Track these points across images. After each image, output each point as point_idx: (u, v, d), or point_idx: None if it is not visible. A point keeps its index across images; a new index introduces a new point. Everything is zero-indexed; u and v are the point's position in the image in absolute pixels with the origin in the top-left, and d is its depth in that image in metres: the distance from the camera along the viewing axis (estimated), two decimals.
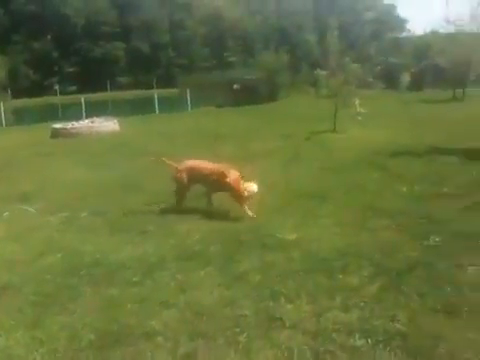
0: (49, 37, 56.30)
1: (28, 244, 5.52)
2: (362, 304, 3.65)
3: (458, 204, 5.90)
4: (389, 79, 42.78)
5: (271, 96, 29.71)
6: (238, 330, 3.40)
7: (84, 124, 18.11)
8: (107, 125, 17.95)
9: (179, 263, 4.67)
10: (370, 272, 4.16)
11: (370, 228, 5.29)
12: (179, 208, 6.45)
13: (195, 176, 6.46)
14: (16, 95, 45.86)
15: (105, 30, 59.80)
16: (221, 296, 3.93)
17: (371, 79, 14.37)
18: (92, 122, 18.47)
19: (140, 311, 3.79)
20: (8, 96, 42.03)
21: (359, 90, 14.69)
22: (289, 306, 3.70)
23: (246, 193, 5.92)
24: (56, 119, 21.43)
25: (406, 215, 5.61)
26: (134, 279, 4.38)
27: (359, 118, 12.93)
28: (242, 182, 6.02)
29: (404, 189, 6.76)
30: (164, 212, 6.43)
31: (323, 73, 14.07)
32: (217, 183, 6.24)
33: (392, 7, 77.29)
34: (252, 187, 5.95)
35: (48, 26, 56.18)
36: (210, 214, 6.18)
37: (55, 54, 56.51)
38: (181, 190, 6.55)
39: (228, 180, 6.06)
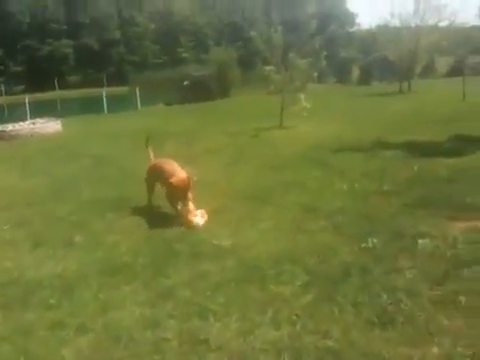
0: None
1: None
2: (294, 318, 3.40)
3: (398, 201, 5.78)
4: (340, 73, 43.46)
5: (222, 93, 29.43)
6: (158, 357, 3.09)
7: (25, 126, 17.25)
8: (49, 126, 17.15)
9: (103, 279, 4.31)
10: (304, 281, 3.92)
11: (307, 230, 5.07)
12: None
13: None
14: None
15: (53, 27, 57.83)
16: (143, 316, 3.60)
17: (316, 74, 14.20)
18: (33, 124, 17.63)
19: (52, 338, 3.41)
20: None
21: (307, 85, 14.59)
22: (217, 325, 3.41)
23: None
24: (2, 120, 20.33)
25: (345, 215, 5.42)
26: (51, 301, 3.97)
27: (304, 114, 12.81)
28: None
29: (344, 187, 6.60)
30: (95, 220, 6.03)
31: (270, 69, 13.85)
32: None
33: (341, 1, 78.53)
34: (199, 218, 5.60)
35: None
36: (147, 221, 5.83)
37: (0, 53, 54.14)
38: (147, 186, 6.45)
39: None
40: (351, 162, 8.12)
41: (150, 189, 6.41)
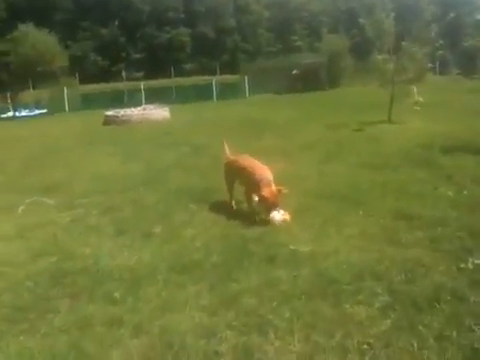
0: (116, 23, 57.44)
1: (28, 244, 5.23)
2: (364, 347, 2.95)
3: None
4: (464, 64, 39.89)
5: (332, 82, 28.49)
6: None
7: (135, 112, 18.07)
8: (158, 113, 17.80)
9: (171, 275, 4.15)
10: (384, 302, 3.42)
11: (399, 242, 4.50)
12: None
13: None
14: (84, 81, 47.40)
15: (170, 16, 60.17)
16: (201, 324, 3.36)
17: (431, 64, 12.94)
18: (143, 110, 18.41)
19: (107, 336, 3.31)
20: (75, 82, 43.66)
21: (423, 77, 13.43)
22: (276, 343, 3.07)
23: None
24: (122, 105, 21.55)
25: (446, 227, 4.73)
26: (115, 294, 3.90)
27: (417, 108, 11.77)
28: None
29: (450, 193, 5.83)
30: (178, 210, 5.95)
31: (380, 58, 12.88)
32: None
33: None
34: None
35: (115, 12, 57.32)
36: (227, 216, 5.62)
37: (122, 40, 57.62)
38: (226, 183, 6.18)
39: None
40: (462, 165, 7.21)
41: (230, 186, 6.12)
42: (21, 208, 6.54)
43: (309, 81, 27.80)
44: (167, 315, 3.51)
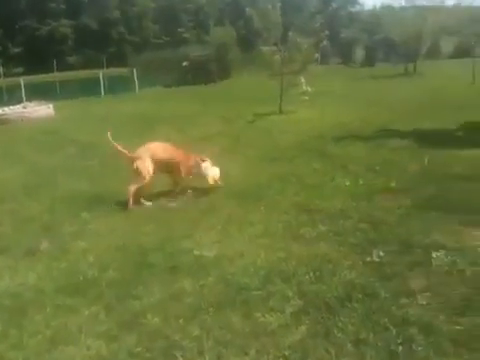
0: None
1: None
2: None
3: (406, 202, 5.09)
4: (343, 54, 42.19)
5: (222, 74, 28.49)
6: None
7: (15, 110, 16.55)
8: (40, 110, 16.47)
9: (61, 299, 3.67)
10: (296, 307, 3.27)
11: (303, 238, 4.42)
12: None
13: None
14: None
15: (51, 7, 56.45)
16: (100, 354, 2.97)
17: (318, 55, 13.34)
18: (24, 107, 16.94)
19: None
20: None
21: (308, 67, 13.74)
22: None
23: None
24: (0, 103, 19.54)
25: (347, 219, 4.75)
26: None
27: (306, 98, 12.05)
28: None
29: (347, 183, 5.92)
30: (67, 221, 5.39)
31: (267, 49, 12.97)
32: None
33: None
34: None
35: None
36: (124, 223, 5.19)
37: None
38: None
39: None
40: (355, 153, 7.42)
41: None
42: None
43: (199, 73, 27.53)
44: (58, 348, 3.07)
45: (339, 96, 15.70)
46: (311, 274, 3.70)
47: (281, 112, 12.45)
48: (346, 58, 39.14)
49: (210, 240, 4.53)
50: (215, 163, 6.26)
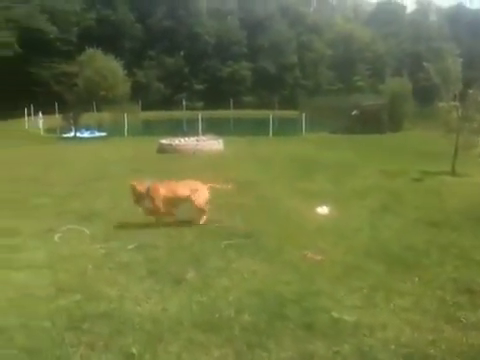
0: (182, 54, 59.06)
1: (56, 276, 5.00)
2: None
3: None
4: None
5: (393, 126, 27.53)
6: None
7: (189, 141, 18.08)
8: (211, 144, 17.74)
9: (195, 334, 3.75)
10: None
11: (459, 322, 3.89)
12: None
13: None
14: (146, 107, 48.72)
15: (234, 50, 61.29)
16: None
17: None
18: (197, 140, 18.41)
19: None
20: (138, 108, 44.88)
21: None
22: None
23: None
24: (180, 133, 21.59)
25: None
26: (133, 349, 3.55)
27: None
28: None
29: None
30: (216, 256, 5.57)
31: (443, 105, 12.14)
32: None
33: None
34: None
35: (181, 43, 58.97)
36: (266, 268, 5.18)
37: (186, 70, 59.05)
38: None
39: None
40: None
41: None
42: (57, 236, 6.38)
43: (369, 123, 27.01)
44: None
45: None
46: None
47: (454, 173, 11.48)
48: None
49: (352, 303, 4.26)
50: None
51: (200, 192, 6.97)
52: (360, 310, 4.13)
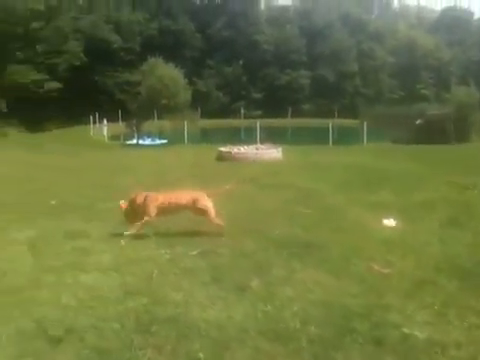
0: (241, 63, 59.67)
1: (123, 279, 5.13)
2: None
3: None
4: None
5: (460, 136, 26.42)
6: None
7: (248, 150, 18.20)
8: (270, 152, 17.78)
9: (262, 343, 3.73)
10: None
11: None
12: None
13: None
14: (204, 115, 49.58)
15: (292, 58, 61.20)
16: None
17: None
18: (256, 148, 18.50)
19: None
20: (197, 116, 45.75)
21: None
22: None
23: None
24: (238, 141, 21.79)
25: None
26: (200, 354, 3.58)
27: None
28: None
29: None
30: (277, 264, 5.53)
31: None
32: None
33: None
34: None
35: (240, 52, 59.61)
36: (332, 280, 5.08)
37: (244, 79, 59.60)
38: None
39: None
40: None
41: None
42: (123, 240, 6.56)
43: (433, 133, 26.06)
44: None
45: None
46: None
47: None
48: None
49: (423, 319, 4.09)
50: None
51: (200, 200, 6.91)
52: (432, 327, 3.96)
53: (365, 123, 27.26)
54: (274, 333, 3.88)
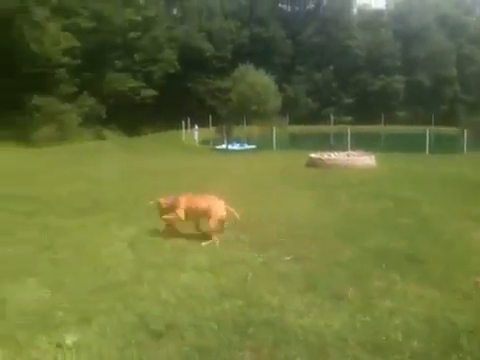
0: (331, 68, 58.85)
1: (218, 280, 5.21)
2: None
3: None
4: None
5: None
6: None
7: (340, 156, 17.83)
8: (363, 160, 17.25)
9: (362, 354, 3.62)
10: None
11: None
12: None
13: None
14: (293, 122, 49.50)
15: (386, 62, 59.34)
16: None
17: None
18: (348, 155, 18.08)
19: None
20: (286, 122, 45.80)
21: None
22: None
23: None
24: (327, 148, 21.48)
25: None
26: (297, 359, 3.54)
27: None
28: None
29: None
30: (374, 275, 5.34)
31: None
32: None
33: None
34: None
35: (331, 57, 58.81)
36: (436, 294, 4.81)
37: (334, 85, 58.74)
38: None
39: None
40: None
41: None
42: (218, 241, 6.67)
43: None
44: None
45: None
46: None
47: None
48: None
49: None
50: None
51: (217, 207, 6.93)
52: None
53: (465, 131, 25.68)
54: (374, 345, 3.74)
